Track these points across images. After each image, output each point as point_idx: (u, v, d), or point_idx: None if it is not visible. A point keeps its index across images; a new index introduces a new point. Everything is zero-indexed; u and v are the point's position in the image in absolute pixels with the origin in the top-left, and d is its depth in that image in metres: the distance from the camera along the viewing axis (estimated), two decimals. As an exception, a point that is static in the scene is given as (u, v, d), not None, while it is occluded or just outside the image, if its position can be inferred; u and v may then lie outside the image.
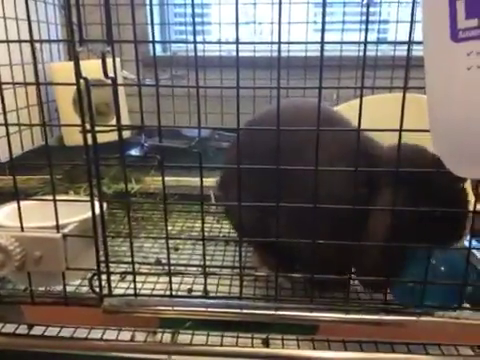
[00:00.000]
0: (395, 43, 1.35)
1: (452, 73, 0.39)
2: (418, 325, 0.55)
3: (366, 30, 0.44)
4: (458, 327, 0.55)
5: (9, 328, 0.65)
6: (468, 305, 0.58)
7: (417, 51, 0.45)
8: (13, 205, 0.69)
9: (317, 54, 0.46)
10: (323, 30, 0.44)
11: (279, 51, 0.45)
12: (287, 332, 0.62)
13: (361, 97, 0.46)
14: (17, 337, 0.64)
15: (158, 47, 1.63)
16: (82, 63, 0.50)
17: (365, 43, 0.44)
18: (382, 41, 1.53)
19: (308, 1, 1.31)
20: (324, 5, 0.44)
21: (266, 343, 0.66)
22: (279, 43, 0.46)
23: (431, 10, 0.39)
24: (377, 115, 0.72)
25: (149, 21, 1.36)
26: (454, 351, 0.62)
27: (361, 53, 0.47)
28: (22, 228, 0.57)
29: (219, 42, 1.50)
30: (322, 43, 0.44)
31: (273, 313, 0.56)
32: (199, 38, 1.59)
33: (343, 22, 1.35)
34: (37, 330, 0.66)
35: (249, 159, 0.54)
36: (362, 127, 0.48)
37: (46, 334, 0.66)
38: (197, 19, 1.58)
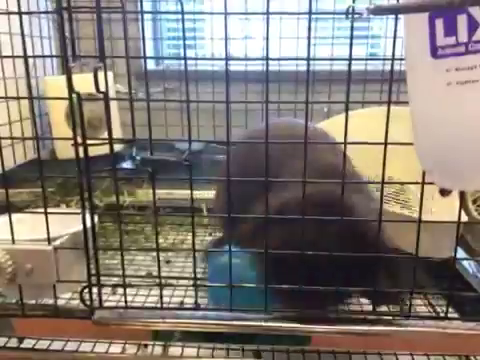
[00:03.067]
0: (383, 59, 1.37)
1: (433, 89, 0.41)
2: (406, 335, 0.55)
3: (350, 46, 0.46)
4: (446, 337, 0.56)
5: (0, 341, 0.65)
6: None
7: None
8: (4, 218, 0.70)
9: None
10: (309, 46, 0.46)
11: (267, 67, 0.46)
12: (279, 343, 0.62)
13: (346, 112, 0.47)
14: (7, 350, 0.64)
15: (152, 61, 1.65)
16: (74, 77, 0.51)
17: (350, 59, 0.46)
18: (367, 57, 1.56)
19: (298, 17, 1.33)
20: (309, 22, 0.45)
21: (257, 355, 0.66)
22: (267, 59, 0.47)
23: (412, 28, 0.41)
24: (366, 128, 0.74)
25: (141, 36, 1.38)
26: (442, 361, 0.63)
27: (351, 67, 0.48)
28: (13, 241, 0.57)
29: (209, 58, 1.51)
30: (308, 59, 0.45)
31: (263, 324, 0.57)
32: (192, 52, 1.61)
33: (333, 37, 1.38)
34: (28, 343, 0.66)
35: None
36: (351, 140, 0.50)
37: (37, 347, 0.65)
38: (190, 34, 1.60)
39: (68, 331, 0.60)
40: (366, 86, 1.37)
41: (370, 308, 0.58)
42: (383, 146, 0.49)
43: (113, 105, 1.21)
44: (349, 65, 0.46)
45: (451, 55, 0.39)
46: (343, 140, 0.49)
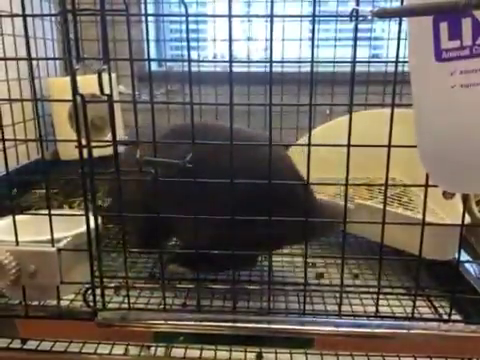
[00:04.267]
0: (386, 62, 1.37)
1: (437, 92, 0.41)
2: (409, 338, 0.55)
3: (355, 48, 0.46)
4: (449, 340, 0.55)
5: (2, 342, 0.65)
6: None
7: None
8: (8, 219, 0.70)
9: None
10: (313, 48, 0.46)
11: (271, 70, 0.46)
12: (282, 346, 0.62)
13: (350, 114, 0.47)
14: (11, 351, 0.64)
15: (155, 62, 1.65)
16: (78, 78, 0.51)
17: (354, 62, 0.46)
18: (370, 60, 1.55)
19: (301, 19, 1.33)
20: (313, 24, 0.45)
21: (259, 357, 0.66)
22: (271, 62, 0.47)
23: (416, 30, 0.41)
24: (369, 130, 0.74)
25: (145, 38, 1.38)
26: (445, 364, 0.62)
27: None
28: (17, 242, 0.57)
29: (213, 61, 1.52)
30: (312, 62, 0.45)
31: (266, 326, 0.57)
32: (195, 53, 1.61)
33: (336, 39, 1.38)
34: (31, 344, 0.66)
35: None
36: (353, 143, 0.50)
37: (40, 348, 0.65)
38: (192, 35, 1.60)
39: (71, 332, 0.60)
40: (369, 88, 1.37)
41: (373, 310, 0.58)
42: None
43: (116, 106, 1.21)
44: (353, 67, 0.46)
45: (455, 58, 0.39)
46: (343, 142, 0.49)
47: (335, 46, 1.37)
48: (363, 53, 1.53)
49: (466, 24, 0.38)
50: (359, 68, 0.47)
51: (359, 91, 1.35)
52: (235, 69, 0.47)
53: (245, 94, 1.42)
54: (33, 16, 0.96)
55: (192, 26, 1.58)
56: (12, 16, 0.64)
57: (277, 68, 1.35)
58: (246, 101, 1.42)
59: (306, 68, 1.45)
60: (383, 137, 0.48)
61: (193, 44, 1.59)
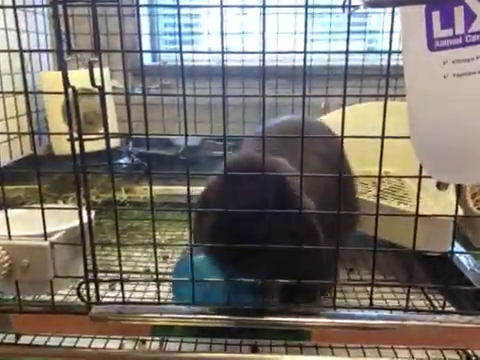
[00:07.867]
0: (380, 53, 1.37)
1: (429, 81, 0.40)
2: (404, 329, 0.55)
3: (347, 39, 0.45)
4: (444, 331, 0.56)
5: (-4, 337, 0.65)
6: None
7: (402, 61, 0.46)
8: (0, 214, 0.69)
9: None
10: (306, 37, 0.46)
11: (263, 60, 0.46)
12: (278, 338, 0.62)
13: (343, 106, 0.47)
14: (5, 346, 0.64)
15: (149, 57, 1.64)
16: (71, 72, 0.50)
17: (347, 52, 0.45)
18: (362, 51, 1.55)
19: (296, 11, 1.33)
20: (306, 14, 0.45)
21: (255, 349, 0.66)
22: (264, 53, 0.47)
23: (408, 20, 0.40)
24: (366, 122, 0.74)
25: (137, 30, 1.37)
26: (440, 355, 0.63)
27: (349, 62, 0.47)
28: (10, 236, 0.57)
29: (205, 52, 1.51)
30: (305, 52, 0.45)
31: (261, 319, 0.57)
32: (189, 48, 1.60)
33: (330, 32, 1.37)
34: (25, 339, 0.66)
35: None
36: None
37: (34, 343, 0.65)
38: (187, 29, 1.59)
39: (65, 327, 0.60)
40: (364, 81, 1.37)
41: (367, 303, 0.58)
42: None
43: (109, 101, 1.20)
44: (346, 59, 0.46)
45: (448, 47, 0.39)
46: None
47: (330, 40, 1.37)
48: (359, 46, 1.53)
49: (458, 12, 0.38)
50: (354, 62, 0.47)
51: (354, 85, 1.34)
52: (229, 63, 0.47)
53: (240, 88, 1.41)
54: (24, 7, 0.96)
55: (186, 20, 1.57)
56: (2, 7, 0.64)
57: (271, 62, 1.34)
58: (240, 94, 1.41)
59: (300, 62, 1.44)
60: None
61: (187, 38, 1.58)
